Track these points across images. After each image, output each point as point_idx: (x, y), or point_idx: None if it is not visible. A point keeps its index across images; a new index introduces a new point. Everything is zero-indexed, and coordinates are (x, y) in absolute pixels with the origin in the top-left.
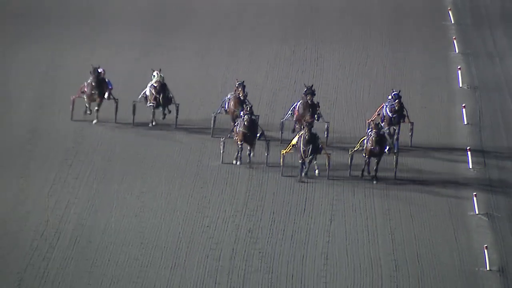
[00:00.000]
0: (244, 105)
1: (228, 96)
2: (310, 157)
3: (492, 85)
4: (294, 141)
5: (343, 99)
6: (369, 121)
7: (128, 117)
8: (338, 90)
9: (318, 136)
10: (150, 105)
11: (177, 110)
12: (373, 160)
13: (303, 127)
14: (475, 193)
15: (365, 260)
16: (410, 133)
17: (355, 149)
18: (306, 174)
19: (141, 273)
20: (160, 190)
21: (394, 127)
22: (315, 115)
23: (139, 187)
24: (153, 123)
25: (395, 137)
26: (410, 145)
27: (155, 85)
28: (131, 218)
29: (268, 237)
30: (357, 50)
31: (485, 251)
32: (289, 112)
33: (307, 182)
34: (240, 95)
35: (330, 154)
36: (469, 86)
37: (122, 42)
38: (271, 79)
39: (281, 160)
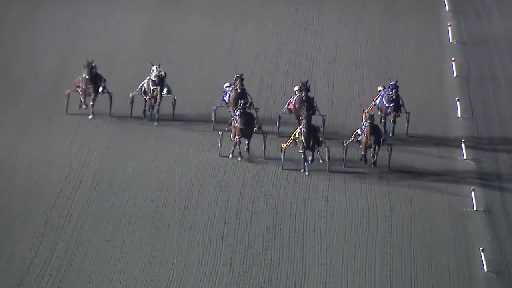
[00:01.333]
0: (239, 100)
1: (229, 87)
2: (312, 148)
3: (479, 40)
4: (296, 134)
5: (342, 54)
6: (366, 111)
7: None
8: (337, 46)
9: (318, 129)
10: (148, 98)
11: (174, 103)
12: (370, 152)
13: (301, 119)
14: (463, 140)
15: (362, 201)
16: (406, 123)
17: (350, 140)
18: (310, 161)
19: (156, 213)
20: (174, 140)
21: (395, 115)
22: (312, 109)
23: (153, 139)
24: (156, 122)
25: (392, 121)
26: (406, 134)
27: (153, 79)
28: (148, 164)
29: (273, 181)
30: (355, 9)
31: (472, 193)
32: (286, 106)
33: (309, 174)
34: (238, 88)
35: (330, 147)
36: (458, 42)
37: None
38: (276, 35)
39: (282, 154)
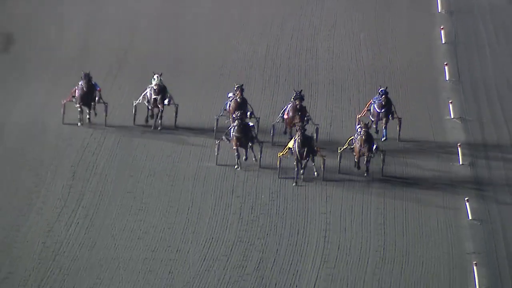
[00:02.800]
0: (237, 111)
1: (230, 98)
2: (306, 160)
3: (466, 10)
4: (290, 144)
5: (341, 23)
6: (359, 116)
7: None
8: (337, 15)
9: (313, 139)
10: (150, 108)
11: (176, 111)
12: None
13: (297, 130)
14: (450, 100)
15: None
16: (398, 128)
17: (344, 147)
18: (303, 174)
19: (173, 167)
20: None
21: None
22: (305, 118)
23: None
24: (159, 128)
25: (383, 126)
26: (398, 139)
27: (155, 88)
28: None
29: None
30: None
31: (459, 148)
32: (280, 116)
33: (302, 185)
34: (238, 98)
35: (325, 156)
36: (446, 11)
37: None
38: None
39: (277, 162)
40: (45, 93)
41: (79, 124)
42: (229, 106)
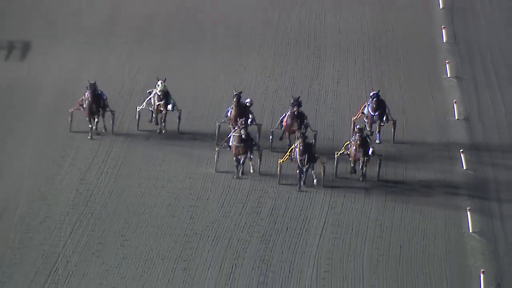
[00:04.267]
0: (238, 119)
1: (231, 105)
2: (307, 166)
3: None
4: (291, 150)
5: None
6: (354, 119)
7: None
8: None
9: (313, 145)
10: (154, 117)
11: (180, 116)
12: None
13: (297, 138)
14: (447, 61)
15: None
16: (392, 130)
17: (341, 152)
18: (304, 183)
19: (192, 127)
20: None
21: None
22: (303, 125)
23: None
24: (164, 131)
25: (377, 129)
26: (392, 141)
27: (159, 94)
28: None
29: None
30: None
31: (454, 105)
32: (278, 123)
33: (305, 191)
34: (236, 106)
35: (325, 163)
36: None
37: None
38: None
39: (278, 169)
40: (76, 54)
41: (89, 137)
42: (230, 114)
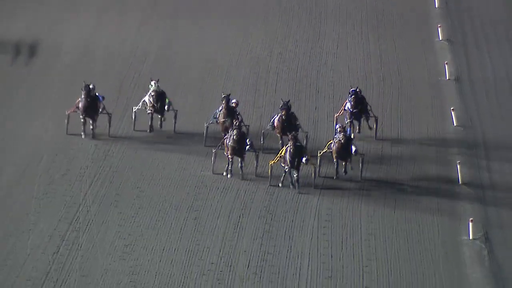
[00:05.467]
0: (234, 120)
1: (220, 108)
2: (297, 168)
3: None
4: (282, 152)
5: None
6: (336, 115)
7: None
8: None
9: (304, 148)
10: (149, 112)
11: (175, 116)
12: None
13: (289, 139)
14: (439, 25)
15: (361, 73)
16: (375, 127)
17: (323, 151)
18: (292, 183)
19: (203, 85)
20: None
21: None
22: (295, 127)
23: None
24: (151, 130)
25: (357, 127)
26: (375, 137)
27: (153, 94)
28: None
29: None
30: None
31: (446, 66)
32: (270, 124)
33: (300, 193)
34: (225, 108)
35: (316, 165)
36: None
37: None
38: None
39: (269, 170)
40: (95, 16)
41: (83, 136)
42: (218, 116)
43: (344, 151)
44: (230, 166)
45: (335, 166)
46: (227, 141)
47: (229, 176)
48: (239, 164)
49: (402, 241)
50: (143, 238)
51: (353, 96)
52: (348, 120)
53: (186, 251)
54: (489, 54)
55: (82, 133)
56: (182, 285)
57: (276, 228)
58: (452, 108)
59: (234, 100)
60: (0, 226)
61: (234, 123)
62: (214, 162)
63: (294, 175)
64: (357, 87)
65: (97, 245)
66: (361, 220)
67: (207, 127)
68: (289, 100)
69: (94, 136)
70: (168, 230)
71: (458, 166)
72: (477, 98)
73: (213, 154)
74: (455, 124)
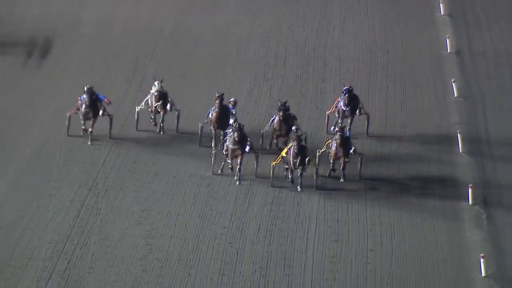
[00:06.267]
0: (233, 122)
1: (213, 107)
2: (300, 169)
3: None
4: (283, 153)
5: None
6: (328, 113)
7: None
8: None
9: (307, 148)
10: (152, 117)
11: (178, 116)
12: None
13: (293, 140)
14: (441, 0)
15: (366, 47)
16: (366, 124)
17: (322, 150)
18: (293, 182)
19: (215, 51)
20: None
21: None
22: (292, 128)
23: None
24: (162, 131)
25: (348, 125)
26: (366, 135)
27: (156, 94)
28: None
29: None
30: None
31: (447, 40)
32: (269, 125)
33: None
34: (217, 108)
35: (318, 166)
36: None
37: None
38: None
39: (271, 171)
40: None
41: (89, 143)
42: (211, 116)
43: (342, 150)
44: (230, 165)
45: (330, 162)
46: (226, 143)
47: (219, 172)
48: (238, 166)
49: (405, 208)
50: (159, 204)
51: (347, 95)
52: (339, 121)
53: (199, 216)
54: (489, 28)
55: (81, 132)
56: (196, 248)
57: (285, 194)
58: (453, 80)
59: (232, 99)
60: (24, 192)
61: (234, 124)
62: (214, 163)
63: (298, 175)
64: (350, 85)
65: (115, 210)
66: (366, 188)
67: (202, 127)
68: (286, 101)
69: (91, 140)
70: (182, 196)
71: (459, 135)
72: (477, 71)
73: (213, 155)
74: (455, 95)
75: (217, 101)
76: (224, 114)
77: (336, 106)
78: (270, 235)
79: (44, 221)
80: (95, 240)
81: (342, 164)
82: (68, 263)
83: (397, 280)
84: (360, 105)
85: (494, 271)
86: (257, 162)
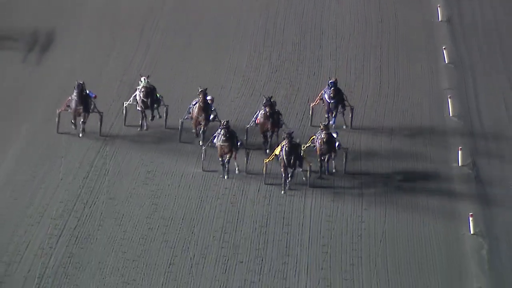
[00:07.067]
0: (222, 120)
1: (194, 102)
2: (293, 167)
3: None
4: (277, 151)
5: None
6: (312, 105)
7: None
8: None
9: (300, 146)
10: (139, 109)
11: (167, 112)
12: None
13: (284, 138)
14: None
15: (361, 16)
16: (350, 116)
17: (307, 145)
18: (289, 181)
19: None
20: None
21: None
22: (278, 123)
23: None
24: (145, 128)
25: (333, 116)
26: (350, 126)
27: (143, 90)
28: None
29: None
30: None
31: (438, 9)
32: (253, 120)
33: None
34: (201, 102)
35: (311, 163)
36: None
37: None
38: None
39: (263, 169)
40: None
41: (80, 135)
42: (192, 111)
43: (327, 147)
44: (223, 166)
45: (319, 165)
46: (216, 141)
47: (226, 177)
48: (227, 162)
49: (397, 171)
50: (164, 165)
51: (332, 88)
52: (326, 116)
53: (202, 177)
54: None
55: (73, 126)
56: (199, 208)
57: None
58: (444, 47)
59: (209, 97)
60: (35, 153)
61: (222, 122)
62: (203, 159)
63: (289, 174)
64: (335, 79)
65: (122, 171)
66: (361, 152)
67: (182, 122)
68: (271, 96)
69: (83, 131)
70: (186, 158)
71: (449, 100)
72: (467, 38)
73: (203, 151)
74: (446, 62)
75: (199, 96)
76: (205, 109)
77: (321, 99)
78: (270, 196)
79: (55, 182)
80: (103, 199)
81: (327, 158)
82: (78, 221)
83: (390, 238)
84: (344, 97)
85: (481, 229)
86: (247, 158)
